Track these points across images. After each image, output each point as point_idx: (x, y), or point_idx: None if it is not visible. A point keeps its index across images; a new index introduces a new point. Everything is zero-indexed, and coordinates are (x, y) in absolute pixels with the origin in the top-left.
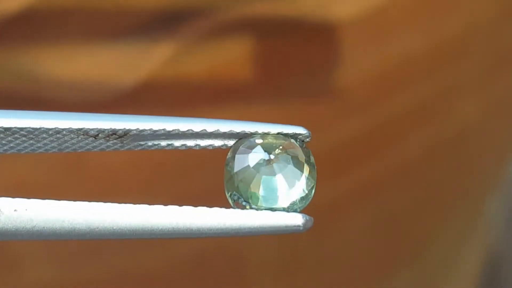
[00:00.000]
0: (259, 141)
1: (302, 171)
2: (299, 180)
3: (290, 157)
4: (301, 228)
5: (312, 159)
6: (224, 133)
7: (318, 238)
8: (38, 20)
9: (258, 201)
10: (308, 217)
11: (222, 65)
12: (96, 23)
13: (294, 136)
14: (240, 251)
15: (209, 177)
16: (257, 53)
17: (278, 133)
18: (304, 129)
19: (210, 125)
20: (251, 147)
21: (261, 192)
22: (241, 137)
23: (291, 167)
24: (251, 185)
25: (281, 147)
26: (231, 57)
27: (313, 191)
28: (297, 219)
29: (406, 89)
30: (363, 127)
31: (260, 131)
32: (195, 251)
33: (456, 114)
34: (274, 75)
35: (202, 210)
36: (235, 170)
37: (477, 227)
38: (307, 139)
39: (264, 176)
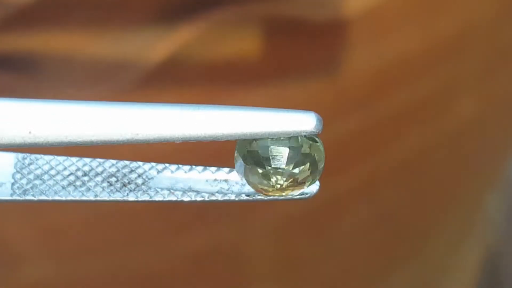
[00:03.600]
0: (268, 165)
1: (307, 182)
2: (306, 189)
3: (297, 179)
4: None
5: (318, 155)
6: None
7: (317, 235)
8: (61, 4)
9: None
10: (312, 192)
11: (228, 59)
12: (116, 8)
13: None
14: (238, 248)
15: None
16: (259, 50)
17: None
18: (314, 125)
19: (211, 134)
20: (260, 174)
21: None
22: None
23: (298, 186)
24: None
25: (290, 179)
26: (237, 51)
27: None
28: (302, 195)
29: (405, 86)
30: (362, 124)
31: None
32: (193, 249)
33: (455, 111)
34: (274, 72)
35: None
36: (247, 178)
37: (477, 224)
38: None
39: (272, 192)
